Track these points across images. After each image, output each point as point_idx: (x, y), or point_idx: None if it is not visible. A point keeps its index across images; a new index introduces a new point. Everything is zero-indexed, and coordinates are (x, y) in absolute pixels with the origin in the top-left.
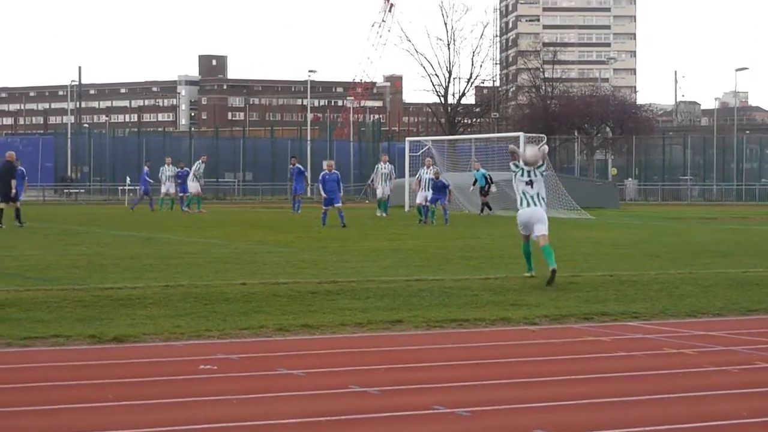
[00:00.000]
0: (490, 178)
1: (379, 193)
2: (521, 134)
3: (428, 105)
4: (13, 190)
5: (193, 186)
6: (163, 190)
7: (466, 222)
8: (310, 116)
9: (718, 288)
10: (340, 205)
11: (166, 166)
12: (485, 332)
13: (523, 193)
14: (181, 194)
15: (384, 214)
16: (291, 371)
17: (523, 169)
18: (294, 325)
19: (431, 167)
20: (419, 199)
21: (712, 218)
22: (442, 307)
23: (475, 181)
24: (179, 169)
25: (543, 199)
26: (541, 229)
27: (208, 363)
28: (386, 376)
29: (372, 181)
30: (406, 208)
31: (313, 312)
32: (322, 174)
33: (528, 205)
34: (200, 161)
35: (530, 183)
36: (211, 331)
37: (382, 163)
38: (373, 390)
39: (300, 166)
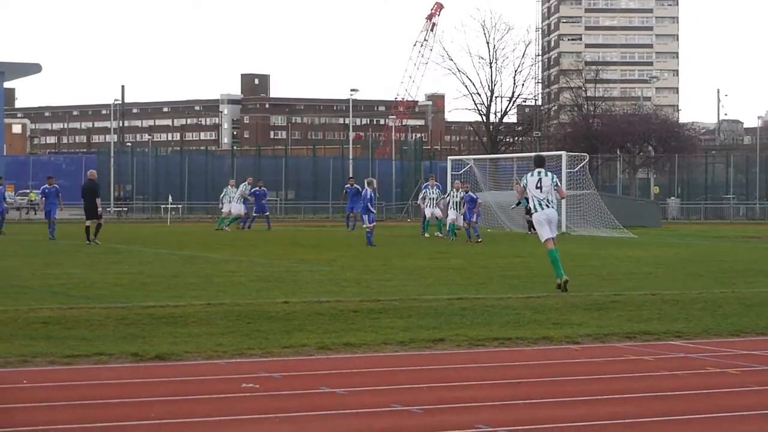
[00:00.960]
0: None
1: (428, 213)
2: (563, 153)
3: (470, 124)
4: (99, 209)
5: (236, 207)
6: (225, 210)
7: (507, 240)
8: (352, 135)
9: (762, 307)
10: (372, 224)
11: (229, 187)
12: (527, 351)
13: (533, 198)
14: (256, 213)
15: (439, 234)
16: (333, 390)
17: (533, 174)
18: (336, 344)
19: (460, 190)
20: (450, 218)
21: (755, 237)
22: (484, 325)
23: (519, 202)
24: (257, 189)
25: (552, 202)
26: (555, 231)
27: (250, 381)
28: (429, 394)
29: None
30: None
31: (355, 330)
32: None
33: (542, 207)
34: (246, 183)
35: (540, 187)
36: (253, 349)
37: (430, 188)
38: (415, 409)
39: (358, 186)
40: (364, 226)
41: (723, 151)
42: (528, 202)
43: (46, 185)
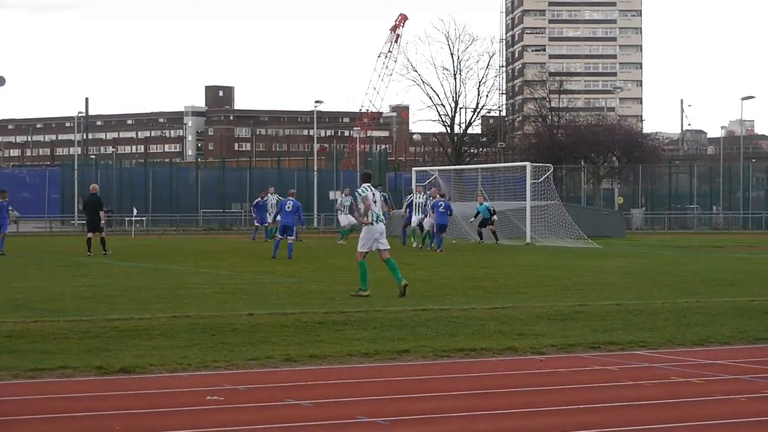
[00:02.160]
0: (493, 210)
1: (415, 221)
2: (528, 164)
3: (435, 135)
4: (102, 221)
5: (344, 219)
6: (343, 222)
7: (471, 251)
8: (316, 146)
9: (726, 317)
10: (293, 238)
11: (270, 195)
12: (492, 362)
13: (374, 212)
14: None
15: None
16: (298, 402)
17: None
18: (301, 356)
19: (422, 194)
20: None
21: (719, 246)
22: (449, 336)
23: (477, 213)
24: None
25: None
26: (387, 244)
27: (215, 394)
28: (394, 406)
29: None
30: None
31: (321, 342)
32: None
33: (380, 221)
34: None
35: (375, 201)
36: (218, 361)
37: (416, 194)
38: (380, 420)
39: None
40: (291, 238)
41: (687, 161)
42: (487, 215)
43: None
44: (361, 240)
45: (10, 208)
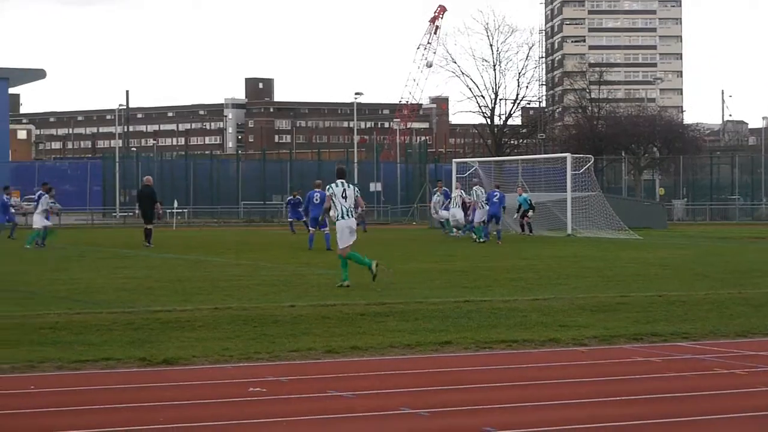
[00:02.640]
0: (531, 203)
1: (444, 216)
2: (568, 155)
3: (474, 126)
4: (159, 212)
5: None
6: (444, 214)
7: (513, 243)
8: (356, 138)
9: None
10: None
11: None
12: (534, 353)
13: (341, 207)
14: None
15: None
16: (340, 393)
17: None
18: (343, 347)
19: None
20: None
21: (761, 237)
22: (490, 328)
23: (520, 205)
24: (292, 198)
25: (353, 212)
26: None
27: (257, 385)
28: (435, 397)
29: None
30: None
31: (362, 334)
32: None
33: (347, 216)
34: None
35: (345, 197)
36: (261, 353)
37: (438, 193)
38: (422, 412)
39: (447, 189)
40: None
41: (728, 152)
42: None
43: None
44: (339, 236)
45: (52, 201)
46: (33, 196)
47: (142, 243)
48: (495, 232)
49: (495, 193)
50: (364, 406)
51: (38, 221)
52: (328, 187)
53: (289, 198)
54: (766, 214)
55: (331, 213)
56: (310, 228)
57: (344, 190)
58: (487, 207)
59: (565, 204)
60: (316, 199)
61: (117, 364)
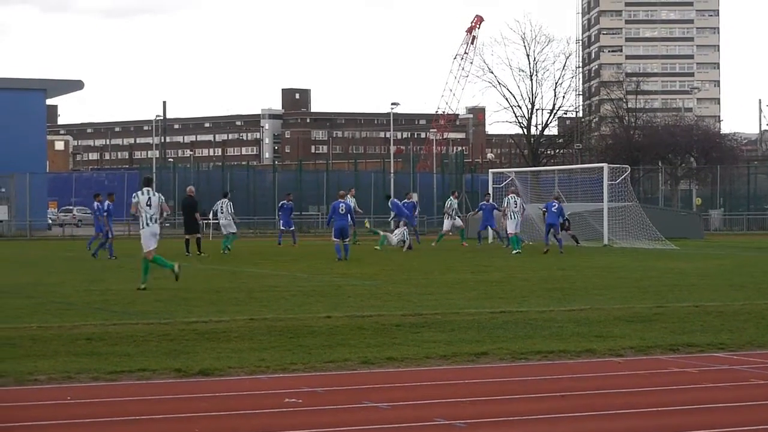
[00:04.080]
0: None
1: (447, 226)
2: (605, 165)
3: (511, 136)
4: (199, 222)
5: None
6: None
7: (549, 253)
8: (393, 149)
9: None
10: (347, 240)
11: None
12: (570, 364)
13: (145, 214)
14: (283, 228)
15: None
16: (376, 404)
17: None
18: (379, 358)
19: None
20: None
21: None
22: (526, 339)
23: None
24: (285, 203)
25: (157, 219)
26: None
27: (293, 396)
28: (472, 408)
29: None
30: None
31: (398, 345)
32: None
33: (150, 223)
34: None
35: (149, 205)
36: (296, 364)
37: (452, 199)
38: (458, 423)
39: (494, 204)
40: (347, 240)
41: (765, 162)
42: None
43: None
44: (144, 242)
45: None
46: (70, 207)
47: (185, 254)
48: (556, 242)
49: (554, 204)
50: (400, 417)
51: (231, 226)
52: (134, 195)
53: (282, 202)
54: None
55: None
56: (334, 239)
57: (149, 198)
58: (519, 217)
59: (601, 214)
60: (341, 210)
61: (153, 375)
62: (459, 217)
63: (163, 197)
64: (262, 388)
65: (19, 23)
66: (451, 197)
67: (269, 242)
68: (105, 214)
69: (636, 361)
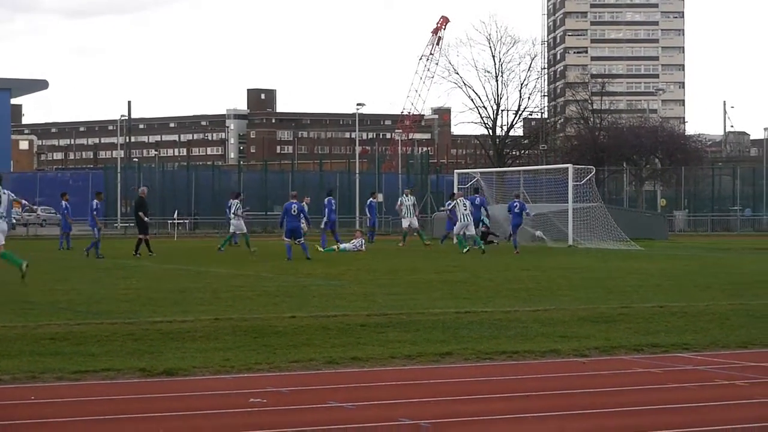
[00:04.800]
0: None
1: (405, 224)
2: (570, 166)
3: (476, 137)
4: (146, 221)
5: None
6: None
7: (513, 253)
8: (358, 149)
9: None
10: (302, 239)
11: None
12: (535, 364)
13: None
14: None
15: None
16: (341, 404)
17: None
18: (343, 358)
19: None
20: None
21: (763, 249)
22: (491, 339)
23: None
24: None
25: (5, 216)
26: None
27: (258, 396)
28: (436, 408)
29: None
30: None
31: (363, 345)
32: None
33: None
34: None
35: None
36: (261, 364)
37: (405, 196)
38: (423, 423)
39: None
40: (300, 240)
41: (730, 163)
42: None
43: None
44: None
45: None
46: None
47: (149, 254)
48: (513, 242)
49: (515, 204)
50: (365, 416)
51: (239, 226)
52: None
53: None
54: (766, 225)
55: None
56: (285, 239)
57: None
58: (465, 218)
59: (566, 215)
60: (293, 211)
61: (117, 375)
62: (415, 216)
63: (13, 195)
64: (227, 388)
65: None
66: (403, 195)
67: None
68: (94, 213)
69: (600, 361)
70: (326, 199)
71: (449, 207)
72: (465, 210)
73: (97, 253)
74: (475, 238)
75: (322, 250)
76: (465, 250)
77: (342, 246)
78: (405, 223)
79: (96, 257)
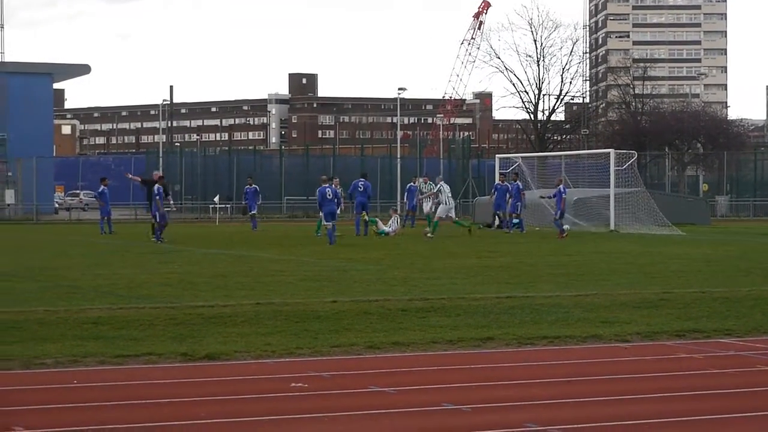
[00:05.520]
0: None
1: (426, 208)
2: (611, 151)
3: (518, 122)
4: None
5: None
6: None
7: (556, 238)
8: (399, 134)
9: None
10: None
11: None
12: (576, 349)
13: None
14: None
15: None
16: (382, 389)
17: None
18: (385, 343)
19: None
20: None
21: None
22: (532, 324)
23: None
24: (249, 187)
25: None
26: None
27: (299, 381)
28: (478, 393)
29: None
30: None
31: (404, 329)
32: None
33: None
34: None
35: None
36: (302, 348)
37: (422, 182)
38: (464, 407)
39: (257, 186)
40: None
41: None
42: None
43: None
44: None
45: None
46: (77, 191)
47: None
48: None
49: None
50: (406, 401)
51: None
52: None
53: (246, 188)
54: None
55: None
56: (326, 223)
57: None
58: (449, 202)
59: (608, 200)
60: (329, 195)
61: (159, 359)
62: (433, 203)
63: None
64: (268, 373)
65: (26, 8)
66: (419, 181)
67: (275, 226)
68: (157, 197)
69: (642, 346)
70: (354, 182)
71: (436, 191)
72: (449, 194)
73: (158, 237)
74: (456, 220)
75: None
76: (430, 235)
77: (381, 228)
78: (426, 208)
79: (157, 241)
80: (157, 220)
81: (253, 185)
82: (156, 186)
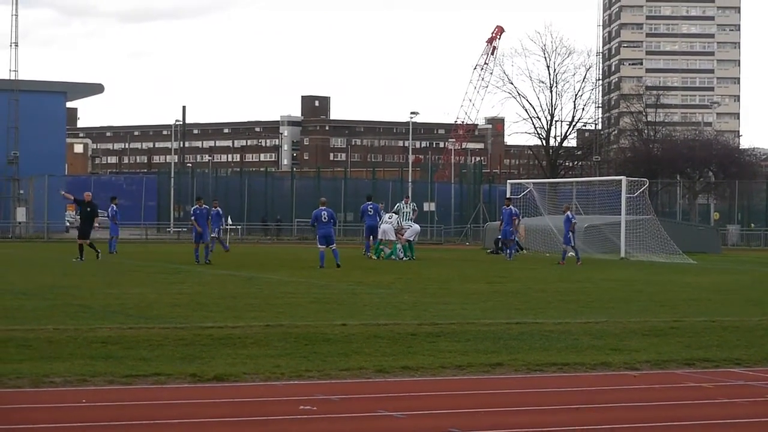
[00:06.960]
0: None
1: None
2: (623, 178)
3: (530, 147)
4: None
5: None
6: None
7: (565, 265)
8: (411, 158)
9: None
10: (333, 246)
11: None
12: (585, 377)
13: None
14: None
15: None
16: (391, 413)
17: None
18: (394, 367)
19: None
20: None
21: None
22: (542, 350)
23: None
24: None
25: None
26: None
27: (308, 404)
28: (486, 419)
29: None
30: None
31: (413, 354)
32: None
33: None
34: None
35: None
36: (311, 371)
37: (403, 203)
38: None
39: (509, 209)
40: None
41: None
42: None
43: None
44: None
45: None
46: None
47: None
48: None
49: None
50: (415, 426)
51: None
52: None
53: (194, 207)
54: None
55: None
56: (320, 246)
57: None
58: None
59: (618, 227)
60: (324, 218)
61: (167, 380)
62: (406, 227)
63: None
64: (277, 395)
65: (39, 26)
66: (400, 203)
67: (286, 248)
68: (209, 217)
69: (651, 375)
70: (363, 206)
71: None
72: (412, 215)
73: (207, 257)
74: (395, 247)
75: (375, 257)
76: (378, 255)
77: (389, 252)
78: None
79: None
80: (203, 239)
81: (204, 206)
82: (202, 207)
